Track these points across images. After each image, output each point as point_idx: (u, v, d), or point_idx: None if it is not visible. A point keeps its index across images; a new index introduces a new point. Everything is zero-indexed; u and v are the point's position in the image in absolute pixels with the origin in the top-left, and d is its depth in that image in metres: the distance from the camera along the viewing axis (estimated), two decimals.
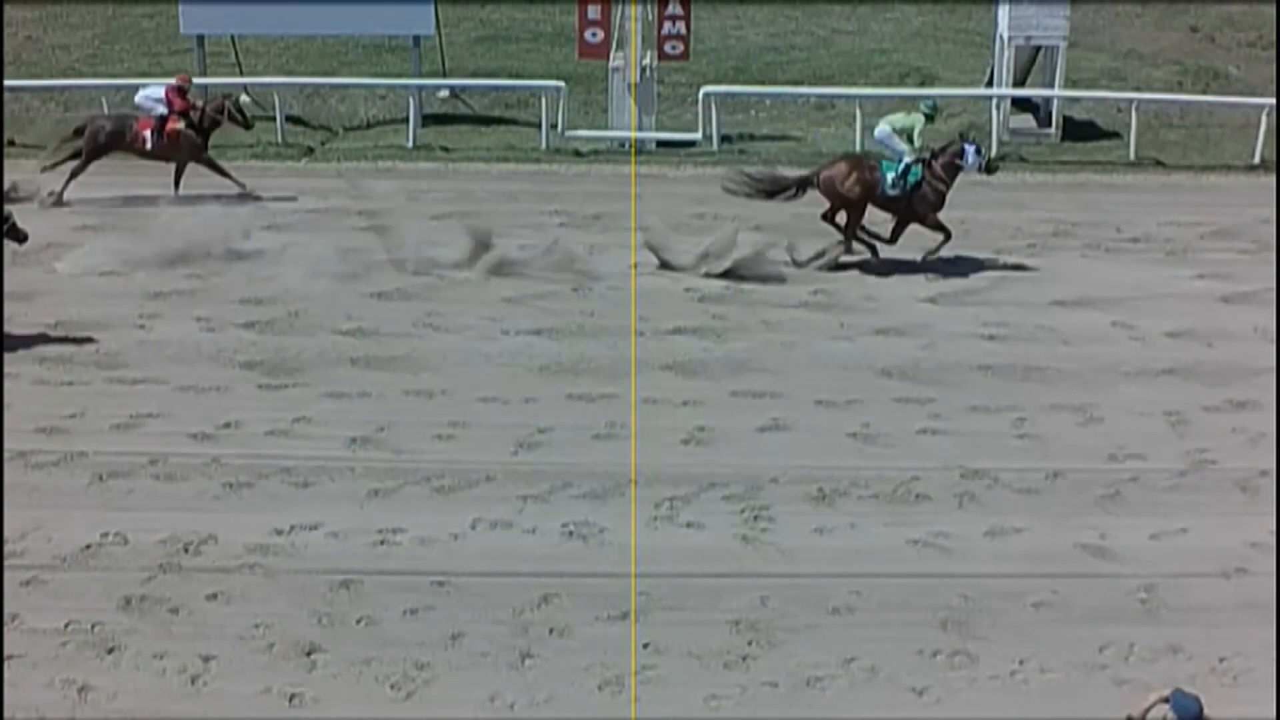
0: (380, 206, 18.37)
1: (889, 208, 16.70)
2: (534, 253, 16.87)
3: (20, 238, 15.18)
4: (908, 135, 16.71)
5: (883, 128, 17.01)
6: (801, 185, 16.78)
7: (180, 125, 18.82)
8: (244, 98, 22.67)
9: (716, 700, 9.62)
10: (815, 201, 16.93)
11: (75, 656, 9.91)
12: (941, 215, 16.69)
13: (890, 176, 16.44)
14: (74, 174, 18.69)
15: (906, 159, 16.53)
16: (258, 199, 18.88)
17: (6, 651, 9.84)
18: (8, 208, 15.81)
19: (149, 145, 18.77)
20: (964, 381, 14.18)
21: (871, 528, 11.62)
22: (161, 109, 18.82)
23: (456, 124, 22.64)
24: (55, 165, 18.85)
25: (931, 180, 16.55)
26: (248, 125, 19.72)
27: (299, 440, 12.88)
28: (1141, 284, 16.56)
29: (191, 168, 18.78)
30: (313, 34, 24.04)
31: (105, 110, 20.50)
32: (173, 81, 19.31)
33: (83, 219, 18.03)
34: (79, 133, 18.96)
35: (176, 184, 18.71)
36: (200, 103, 19.22)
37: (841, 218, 16.72)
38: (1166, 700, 7.70)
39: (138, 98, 19.29)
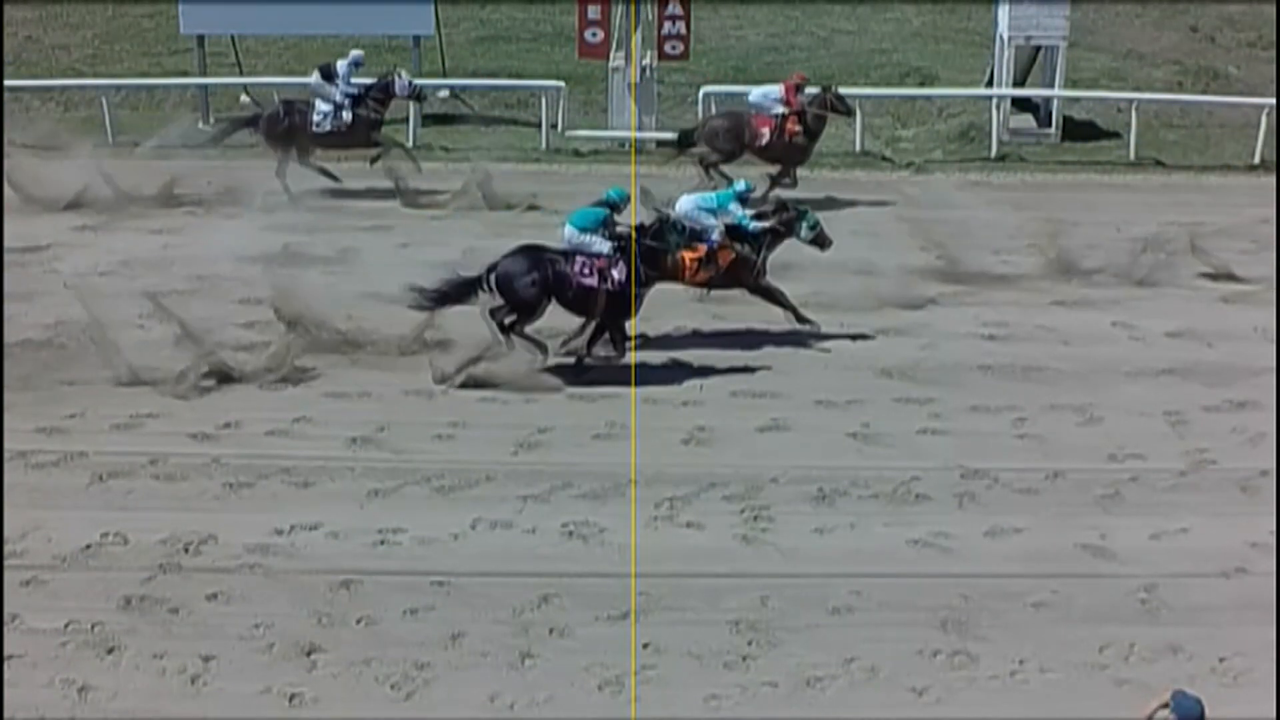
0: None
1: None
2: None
3: None
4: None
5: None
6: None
7: (798, 128, 18.82)
8: (244, 98, 22.75)
9: (716, 700, 9.63)
10: None
11: (75, 656, 9.91)
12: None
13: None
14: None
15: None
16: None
17: (6, 651, 9.85)
18: None
19: (764, 143, 18.83)
20: (964, 381, 14.18)
21: (871, 528, 11.62)
22: (780, 108, 18.86)
23: (456, 124, 22.63)
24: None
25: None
26: (849, 112, 19.74)
27: (299, 440, 12.88)
28: (1142, 284, 16.54)
29: None
30: (313, 34, 24.01)
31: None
32: (792, 78, 19.46)
33: (84, 219, 18.00)
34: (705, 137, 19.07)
35: (775, 182, 18.68)
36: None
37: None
38: (1166, 706, 7.70)
39: (752, 96, 19.30)
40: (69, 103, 22.84)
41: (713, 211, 14.88)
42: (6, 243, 16.47)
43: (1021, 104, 22.88)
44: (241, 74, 23.29)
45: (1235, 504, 12.05)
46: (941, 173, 20.89)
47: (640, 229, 14.41)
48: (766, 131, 18.85)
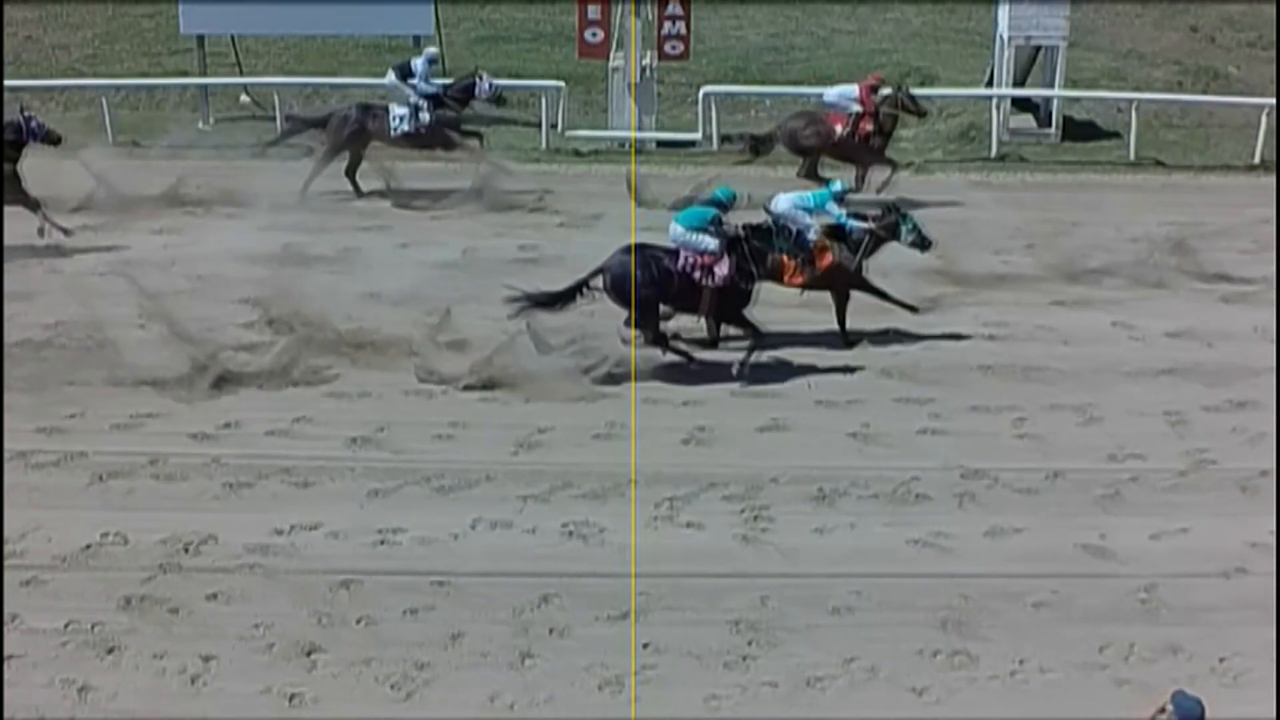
0: None
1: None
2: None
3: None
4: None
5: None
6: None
7: (871, 128, 18.94)
8: (244, 98, 22.75)
9: (716, 700, 9.62)
10: None
11: (75, 656, 9.91)
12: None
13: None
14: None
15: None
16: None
17: (6, 651, 9.85)
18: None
19: (838, 140, 18.91)
20: (964, 381, 14.18)
21: (871, 528, 11.62)
22: (855, 107, 18.90)
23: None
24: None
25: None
26: (921, 113, 19.85)
27: (299, 440, 12.88)
28: (1141, 284, 16.54)
29: None
30: (313, 34, 24.03)
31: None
32: (868, 80, 19.50)
33: (84, 219, 18.00)
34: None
35: (860, 181, 18.78)
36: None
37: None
38: (1165, 710, 7.69)
39: (828, 95, 19.39)
40: (69, 103, 22.85)
41: (810, 211, 14.91)
42: (6, 243, 16.46)
43: (1021, 104, 22.89)
44: (241, 74, 23.30)
45: (1235, 504, 12.04)
46: (941, 173, 20.88)
47: (751, 229, 14.45)
48: (839, 129, 18.95)
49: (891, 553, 11.27)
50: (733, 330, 14.55)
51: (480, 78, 19.53)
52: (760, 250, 14.34)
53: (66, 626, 10.18)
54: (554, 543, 11.37)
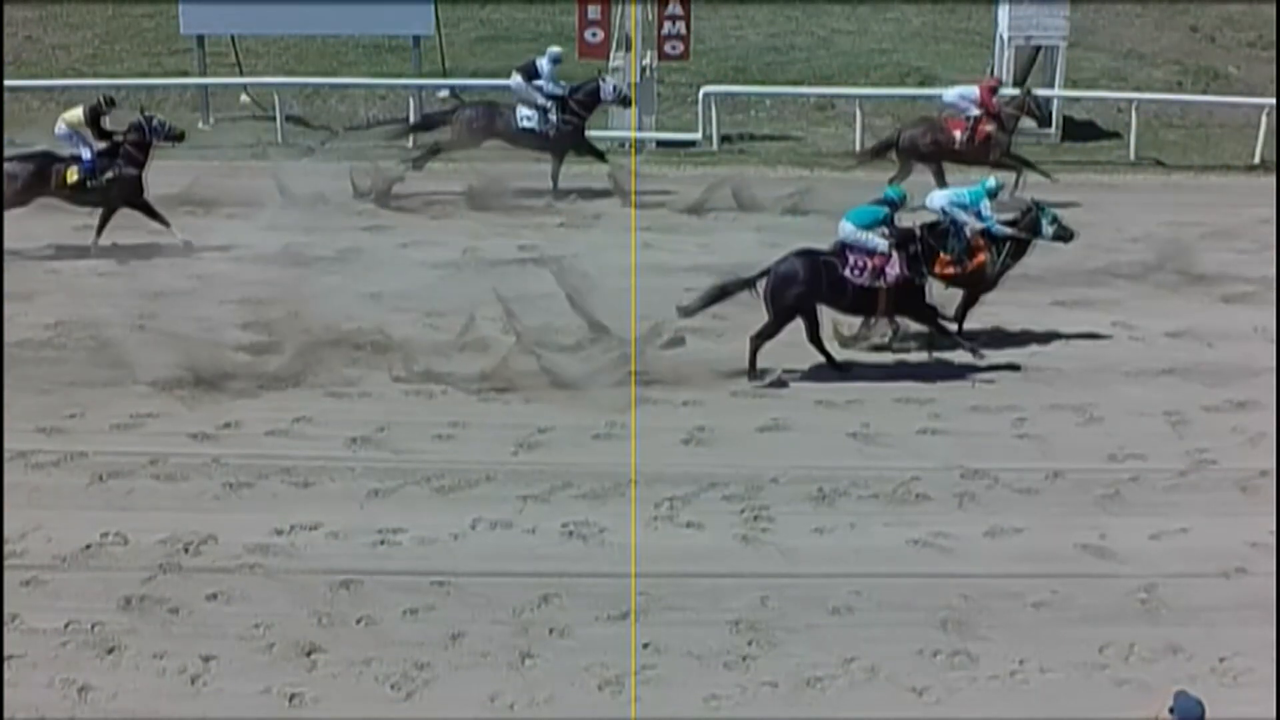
0: None
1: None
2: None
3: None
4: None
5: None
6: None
7: (991, 128, 18.92)
8: (244, 98, 22.76)
9: (716, 700, 9.62)
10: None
11: (75, 656, 9.91)
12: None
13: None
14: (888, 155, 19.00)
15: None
16: None
17: (6, 651, 9.85)
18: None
19: (958, 145, 18.90)
20: (964, 381, 14.18)
21: (871, 528, 11.62)
22: (975, 109, 18.91)
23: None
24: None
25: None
26: (1046, 119, 19.87)
27: (299, 440, 12.88)
28: (1142, 284, 16.54)
29: None
30: (313, 34, 24.04)
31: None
32: (987, 81, 19.55)
33: (85, 219, 17.99)
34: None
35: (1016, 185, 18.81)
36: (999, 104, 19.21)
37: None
38: (1171, 711, 7.67)
39: (947, 96, 19.38)
40: (69, 103, 22.76)
41: (964, 208, 14.92)
42: (6, 243, 16.47)
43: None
44: (241, 74, 23.29)
45: (1235, 504, 12.05)
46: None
47: (927, 228, 14.54)
48: (959, 134, 18.97)
49: (891, 553, 11.27)
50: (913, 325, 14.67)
51: (603, 80, 19.59)
52: (932, 249, 14.48)
53: (66, 626, 10.18)
54: (554, 543, 11.37)
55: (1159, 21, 27.63)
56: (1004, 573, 10.97)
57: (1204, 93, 23.88)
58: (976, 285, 15.00)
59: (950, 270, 14.77)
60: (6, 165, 16.91)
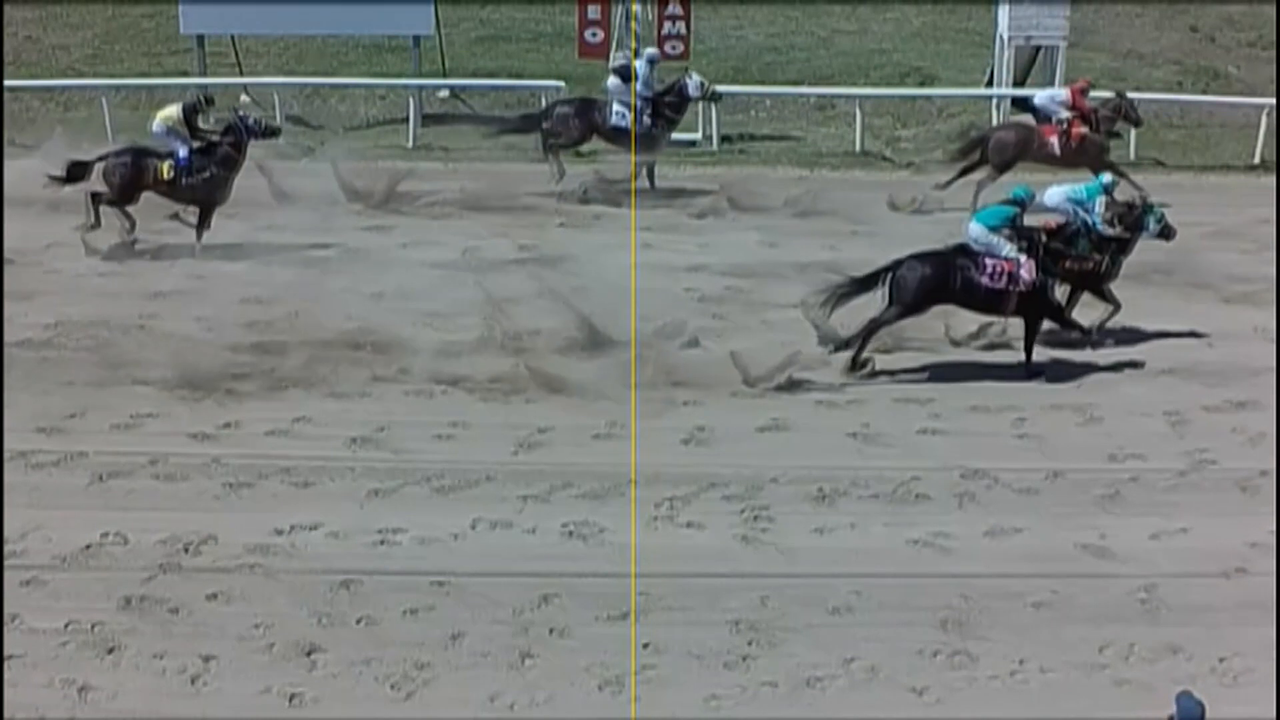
0: None
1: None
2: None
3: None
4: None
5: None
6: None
7: (1085, 130, 19.00)
8: (244, 98, 22.76)
9: (716, 700, 9.62)
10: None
11: (75, 656, 9.90)
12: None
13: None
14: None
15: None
16: None
17: (6, 651, 9.84)
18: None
19: (1056, 151, 18.94)
20: (964, 382, 14.17)
21: (871, 528, 11.62)
22: (1065, 112, 18.95)
23: (457, 124, 22.61)
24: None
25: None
26: (1138, 122, 19.97)
27: (299, 440, 12.88)
28: (1142, 284, 16.52)
29: None
30: (313, 34, 24.07)
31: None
32: (1077, 83, 19.60)
33: (85, 219, 17.98)
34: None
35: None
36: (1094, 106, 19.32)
37: None
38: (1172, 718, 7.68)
39: (1038, 99, 19.42)
40: (69, 103, 22.87)
41: (1080, 204, 14.97)
42: (6, 243, 16.46)
43: (1021, 104, 22.87)
44: (241, 74, 23.31)
45: (1235, 504, 12.04)
46: (942, 173, 20.84)
47: (1051, 233, 14.61)
48: (1054, 140, 19.04)
49: (891, 553, 11.27)
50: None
51: (689, 77, 19.72)
52: (1058, 252, 14.54)
53: (66, 626, 10.17)
54: (554, 543, 11.37)
55: (1159, 21, 27.64)
56: (1004, 573, 10.97)
57: (1204, 93, 23.90)
58: (1083, 284, 15.07)
59: (1070, 267, 14.83)
60: (104, 163, 17.02)
